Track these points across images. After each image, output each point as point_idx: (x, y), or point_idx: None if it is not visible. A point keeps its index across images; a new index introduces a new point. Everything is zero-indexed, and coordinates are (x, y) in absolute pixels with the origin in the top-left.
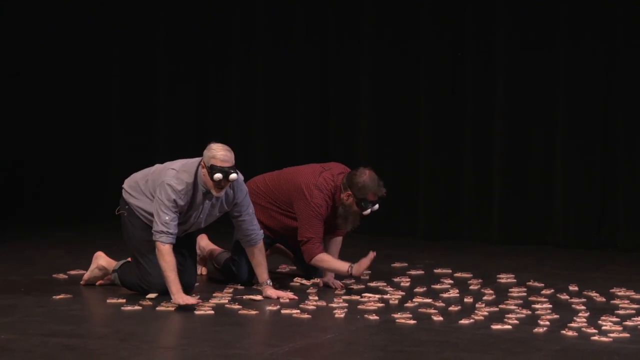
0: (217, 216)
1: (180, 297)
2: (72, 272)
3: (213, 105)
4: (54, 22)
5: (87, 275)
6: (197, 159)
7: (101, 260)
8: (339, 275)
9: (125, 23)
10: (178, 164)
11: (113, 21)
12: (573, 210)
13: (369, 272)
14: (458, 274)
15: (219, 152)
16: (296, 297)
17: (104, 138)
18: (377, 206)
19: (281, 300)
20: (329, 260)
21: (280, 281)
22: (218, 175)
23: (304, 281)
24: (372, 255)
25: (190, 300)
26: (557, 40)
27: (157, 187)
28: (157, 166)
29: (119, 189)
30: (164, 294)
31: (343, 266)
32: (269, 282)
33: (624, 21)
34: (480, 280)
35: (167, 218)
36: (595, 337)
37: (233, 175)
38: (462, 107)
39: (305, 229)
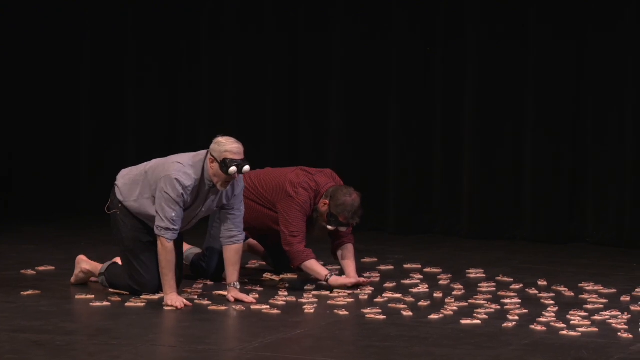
0: (214, 210)
1: (170, 298)
2: (41, 268)
3: (182, 98)
4: (19, 13)
5: (72, 279)
6: (202, 153)
7: (84, 264)
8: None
9: (95, 12)
10: (183, 157)
11: (82, 10)
12: (542, 204)
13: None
14: (427, 269)
15: (231, 146)
16: (254, 301)
17: (74, 133)
18: (344, 228)
19: (238, 306)
20: (312, 264)
21: (249, 277)
22: (233, 169)
23: (274, 276)
24: (358, 281)
25: (179, 304)
26: (527, 33)
27: (162, 181)
28: (156, 160)
29: (89, 183)
30: (154, 294)
31: (322, 273)
32: (235, 284)
33: (593, 13)
34: (449, 275)
35: (173, 214)
36: (564, 332)
37: (247, 167)
38: (432, 102)
39: (288, 224)
